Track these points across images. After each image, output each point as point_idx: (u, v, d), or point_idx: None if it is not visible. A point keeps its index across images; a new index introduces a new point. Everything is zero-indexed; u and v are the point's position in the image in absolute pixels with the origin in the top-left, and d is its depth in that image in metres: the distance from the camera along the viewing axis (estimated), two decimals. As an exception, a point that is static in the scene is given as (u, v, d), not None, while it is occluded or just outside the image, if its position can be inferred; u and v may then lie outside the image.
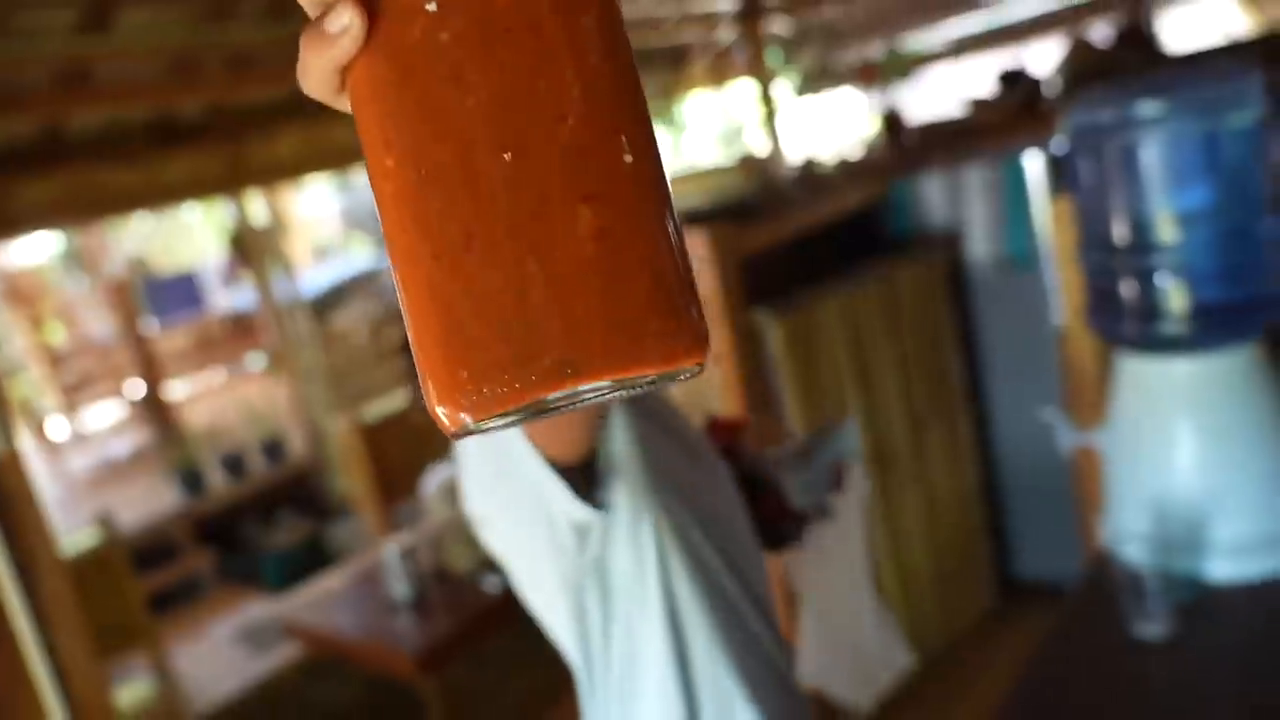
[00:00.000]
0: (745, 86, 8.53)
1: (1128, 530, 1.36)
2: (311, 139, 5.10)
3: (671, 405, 1.02)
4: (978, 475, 2.83)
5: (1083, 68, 3.67)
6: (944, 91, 6.13)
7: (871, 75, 5.16)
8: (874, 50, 7.03)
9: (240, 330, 9.68)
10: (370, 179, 0.32)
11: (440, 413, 0.30)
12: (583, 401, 0.31)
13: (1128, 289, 1.38)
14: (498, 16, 0.30)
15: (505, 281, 0.30)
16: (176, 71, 4.19)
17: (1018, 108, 3.32)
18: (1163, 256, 1.33)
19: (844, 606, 1.29)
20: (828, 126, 9.34)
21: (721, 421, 1.28)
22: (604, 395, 0.31)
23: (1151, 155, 1.30)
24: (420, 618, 2.90)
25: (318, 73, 0.32)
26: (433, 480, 3.05)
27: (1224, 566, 1.32)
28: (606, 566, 0.81)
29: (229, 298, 10.30)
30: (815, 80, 5.91)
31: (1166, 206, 1.32)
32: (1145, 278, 1.36)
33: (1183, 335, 1.34)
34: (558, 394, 0.30)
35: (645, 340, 0.30)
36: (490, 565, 3.02)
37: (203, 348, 9.53)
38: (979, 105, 3.36)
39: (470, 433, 0.31)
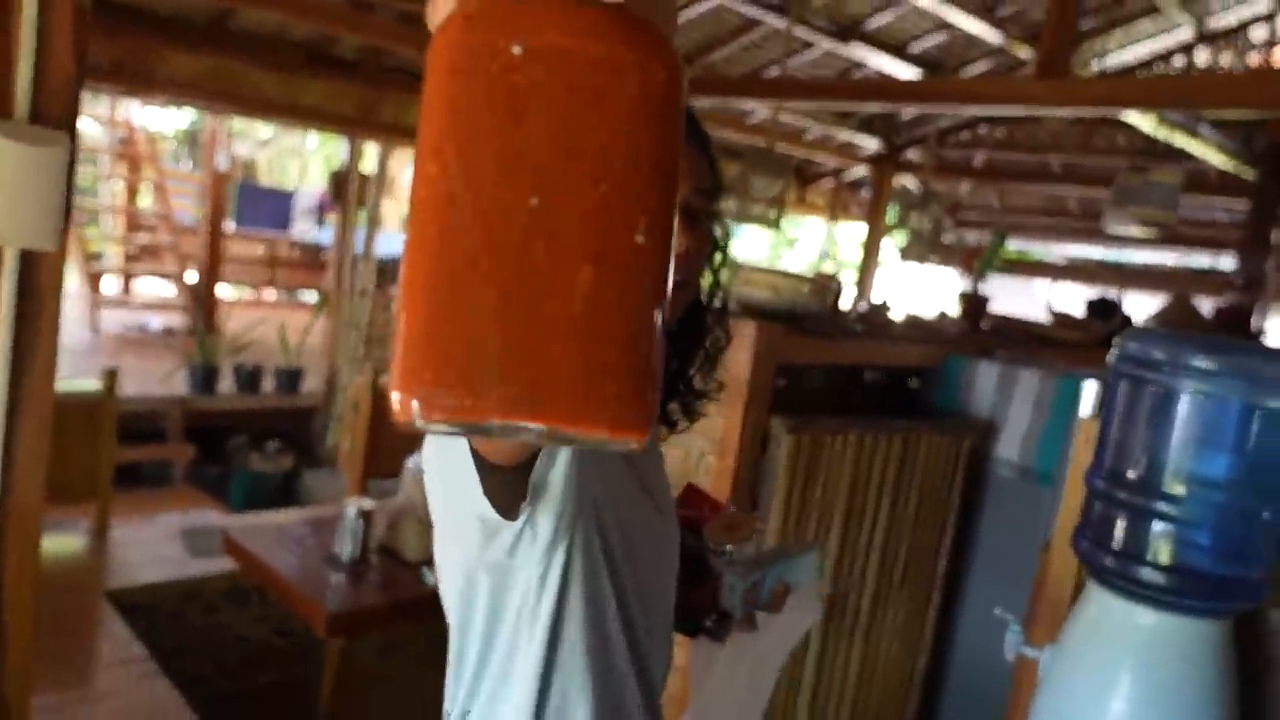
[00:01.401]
0: (855, 229, 8.66)
1: (1036, 754, 1.34)
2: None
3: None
4: (926, 662, 2.78)
5: (1175, 323, 3.67)
6: (1034, 299, 6.17)
7: (973, 260, 5.21)
8: (984, 239, 7.11)
9: (308, 262, 9.92)
10: (413, 177, 0.34)
11: (395, 397, 0.32)
12: (519, 436, 0.32)
13: (1121, 526, 1.37)
14: (574, 79, 0.32)
15: (493, 308, 0.31)
16: (351, 6, 4.41)
17: (1100, 336, 3.33)
18: (1165, 508, 1.33)
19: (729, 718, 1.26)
20: (914, 290, 9.41)
21: (698, 494, 1.27)
22: (539, 439, 0.32)
23: (1186, 408, 1.31)
24: (352, 582, 2.90)
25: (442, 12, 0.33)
26: (416, 462, 3.07)
27: (1116, 827, 1.28)
28: (508, 576, 0.80)
29: (311, 229, 10.55)
30: (921, 247, 5.98)
31: (1184, 463, 1.32)
32: (1141, 522, 1.35)
33: (1158, 588, 1.33)
34: (502, 423, 0.31)
35: (601, 404, 0.32)
36: (433, 562, 3.01)
37: (269, 264, 9.77)
38: (1062, 319, 3.38)
39: (413, 425, 0.32)
